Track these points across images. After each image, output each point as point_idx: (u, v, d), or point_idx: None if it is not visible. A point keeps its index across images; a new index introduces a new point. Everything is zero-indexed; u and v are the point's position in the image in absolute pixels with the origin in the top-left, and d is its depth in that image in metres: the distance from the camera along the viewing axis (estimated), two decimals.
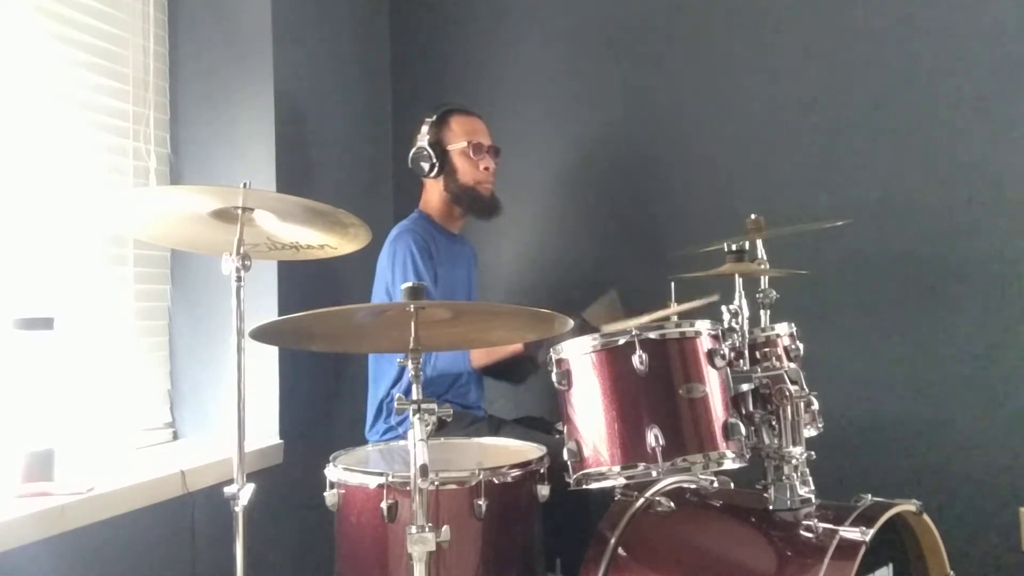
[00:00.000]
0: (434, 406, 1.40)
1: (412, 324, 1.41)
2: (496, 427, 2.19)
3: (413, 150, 2.33)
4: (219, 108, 2.28)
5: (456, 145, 2.31)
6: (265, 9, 2.27)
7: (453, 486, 1.57)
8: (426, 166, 2.32)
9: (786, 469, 1.61)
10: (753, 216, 1.81)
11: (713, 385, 1.59)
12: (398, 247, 2.21)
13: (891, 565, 1.65)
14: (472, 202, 2.34)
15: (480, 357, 2.18)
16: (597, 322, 2.23)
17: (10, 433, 1.65)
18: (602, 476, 1.59)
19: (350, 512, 1.63)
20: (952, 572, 1.66)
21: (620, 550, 1.66)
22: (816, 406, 1.75)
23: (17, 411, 1.65)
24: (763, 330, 1.84)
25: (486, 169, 2.32)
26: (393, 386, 2.22)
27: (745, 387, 1.64)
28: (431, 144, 2.30)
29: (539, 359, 2.34)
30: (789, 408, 1.60)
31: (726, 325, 1.69)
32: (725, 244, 1.76)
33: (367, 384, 2.31)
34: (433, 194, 2.36)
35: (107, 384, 2.06)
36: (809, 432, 1.71)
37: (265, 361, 2.22)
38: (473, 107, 2.40)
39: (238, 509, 1.44)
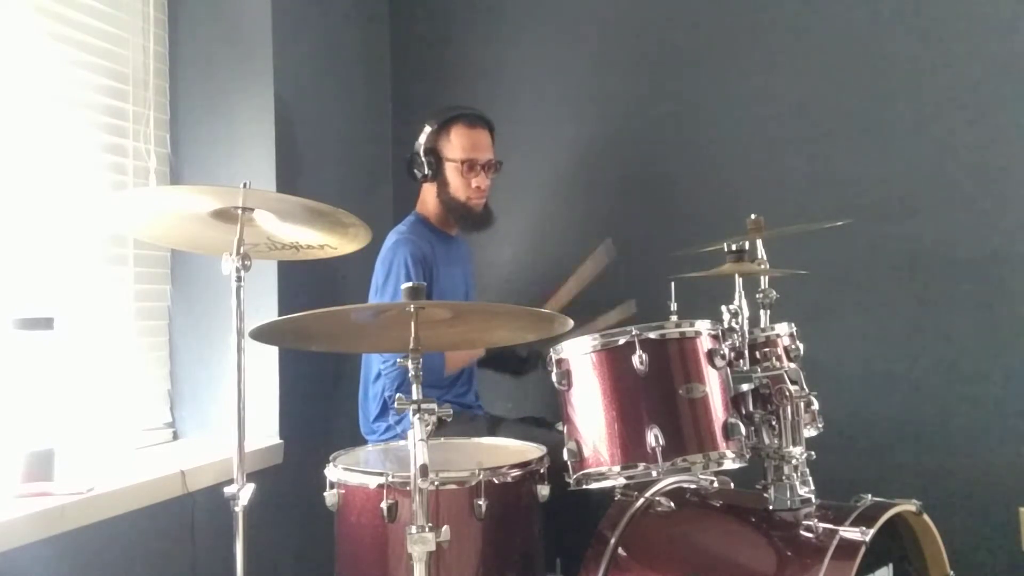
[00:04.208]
0: (434, 406, 1.40)
1: (412, 324, 1.42)
2: (495, 425, 2.19)
3: (410, 153, 2.33)
4: (219, 108, 2.28)
5: (451, 158, 2.28)
6: (265, 9, 2.27)
7: (453, 486, 1.57)
8: (419, 172, 2.32)
9: (786, 469, 1.61)
10: (753, 216, 1.81)
11: (713, 385, 1.59)
12: (395, 257, 2.21)
13: (891, 565, 1.65)
14: (461, 217, 2.33)
15: (452, 365, 2.24)
16: None
17: (10, 433, 1.65)
18: (602, 476, 1.59)
19: (350, 512, 1.63)
20: (952, 572, 1.66)
21: (620, 550, 1.65)
22: (816, 406, 1.75)
23: (17, 411, 1.65)
24: (763, 330, 1.84)
25: (477, 188, 2.29)
26: (376, 380, 2.24)
27: (745, 387, 1.64)
28: (427, 150, 2.29)
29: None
30: (789, 408, 1.60)
31: (726, 325, 1.69)
32: (725, 244, 1.76)
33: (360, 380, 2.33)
34: (430, 197, 2.35)
35: (107, 384, 2.06)
36: (809, 432, 1.71)
37: (265, 361, 2.22)
38: (473, 106, 2.37)
39: (238, 509, 1.44)
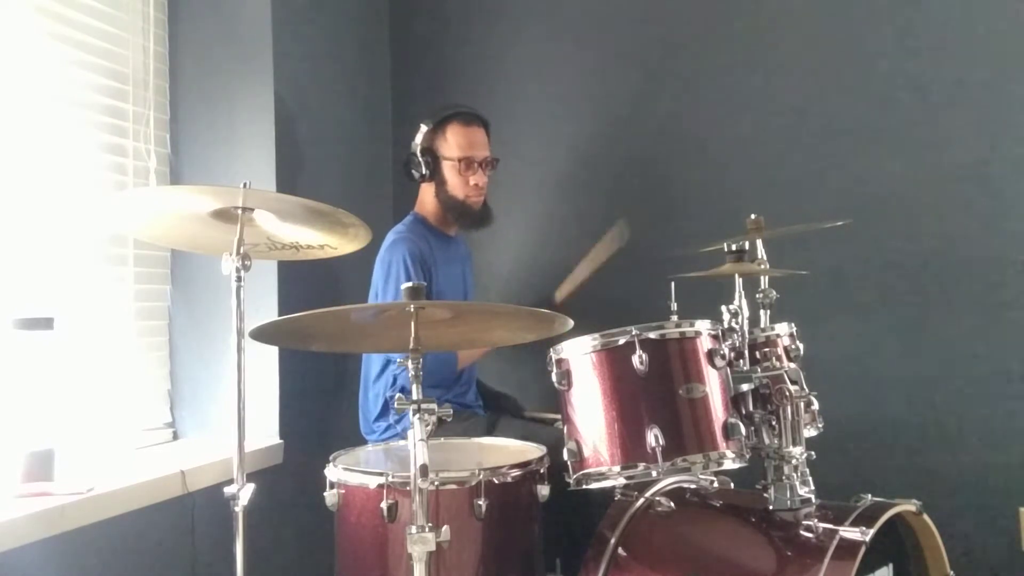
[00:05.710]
0: (434, 406, 1.40)
1: (412, 324, 1.42)
2: (493, 422, 2.20)
3: (407, 154, 2.33)
4: (219, 108, 2.28)
5: (448, 157, 2.28)
6: (265, 9, 2.27)
7: (453, 486, 1.57)
8: (416, 173, 2.32)
9: (786, 469, 1.61)
10: (753, 216, 1.81)
11: (713, 385, 1.59)
12: (393, 257, 2.21)
13: (891, 565, 1.65)
14: (460, 215, 2.33)
15: (463, 359, 2.26)
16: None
17: (10, 433, 1.65)
18: (602, 476, 1.59)
19: (350, 512, 1.64)
20: (952, 572, 1.66)
21: (620, 550, 1.66)
22: (816, 406, 1.75)
23: (17, 411, 1.65)
24: (763, 330, 1.84)
25: (476, 185, 2.29)
26: (377, 380, 2.25)
27: (745, 387, 1.64)
28: (424, 150, 2.29)
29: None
30: (789, 408, 1.60)
31: (726, 325, 1.69)
32: (725, 244, 1.76)
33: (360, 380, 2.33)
34: (428, 197, 2.35)
35: (107, 384, 2.06)
36: (809, 432, 1.71)
37: (265, 361, 2.22)
38: (473, 106, 2.38)
39: (238, 509, 1.44)
